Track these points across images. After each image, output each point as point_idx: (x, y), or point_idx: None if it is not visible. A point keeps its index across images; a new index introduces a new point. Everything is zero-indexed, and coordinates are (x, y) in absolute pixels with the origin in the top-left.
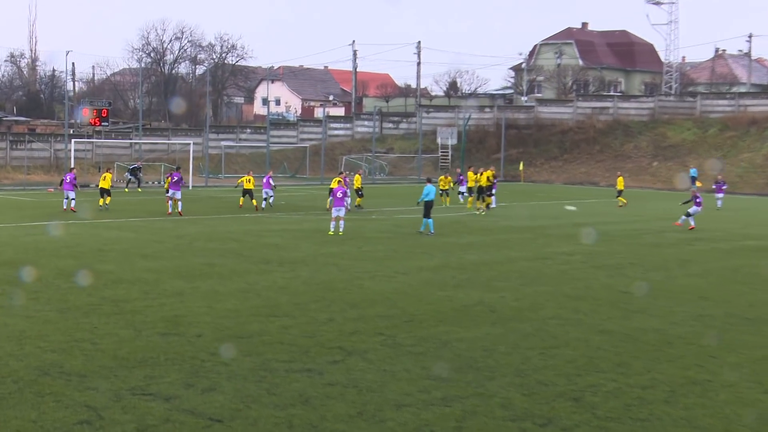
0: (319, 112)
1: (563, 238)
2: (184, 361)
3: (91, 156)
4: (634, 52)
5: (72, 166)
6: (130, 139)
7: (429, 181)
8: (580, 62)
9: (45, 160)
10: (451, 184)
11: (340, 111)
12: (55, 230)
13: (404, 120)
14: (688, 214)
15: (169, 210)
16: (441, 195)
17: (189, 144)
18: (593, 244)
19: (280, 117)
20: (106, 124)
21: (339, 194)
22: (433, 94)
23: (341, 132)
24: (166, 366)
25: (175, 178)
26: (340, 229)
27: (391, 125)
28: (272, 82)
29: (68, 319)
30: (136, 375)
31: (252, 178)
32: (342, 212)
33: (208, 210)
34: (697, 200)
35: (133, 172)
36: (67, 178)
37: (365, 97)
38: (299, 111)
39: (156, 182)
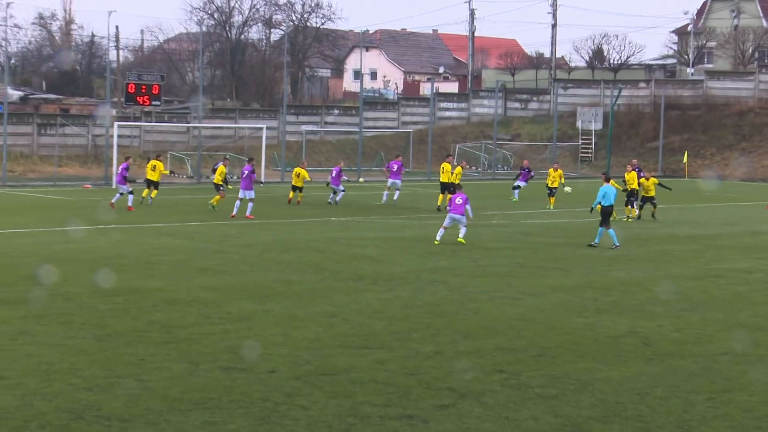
0: (425, 89)
1: (740, 250)
2: (252, 404)
3: (138, 143)
4: None
5: (128, 155)
6: (188, 122)
7: (606, 179)
8: (764, 23)
9: (81, 149)
10: (562, 180)
11: (452, 87)
12: (92, 236)
13: (535, 98)
14: None
15: (234, 212)
16: (548, 195)
17: (261, 129)
18: None
19: (377, 94)
20: (158, 103)
21: (458, 200)
22: (572, 65)
23: (454, 113)
24: (229, 409)
25: (246, 173)
26: (461, 236)
27: (517, 105)
28: (367, 51)
29: (107, 350)
30: (192, 420)
31: (303, 171)
32: (463, 220)
33: (284, 212)
34: None
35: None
36: (119, 169)
37: (485, 69)
38: (401, 87)
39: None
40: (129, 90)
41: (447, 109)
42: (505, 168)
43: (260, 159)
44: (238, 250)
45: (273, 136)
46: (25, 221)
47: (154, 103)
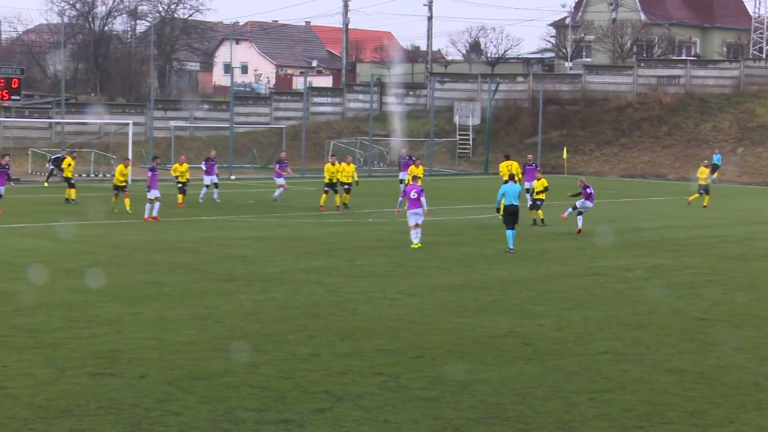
0: (299, 83)
1: (620, 247)
2: (122, 410)
3: None
4: (713, 4)
5: (5, 153)
6: (50, 117)
7: (510, 176)
8: (643, 16)
9: None
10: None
11: (326, 81)
12: None
13: (411, 93)
14: None
15: (153, 214)
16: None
17: (128, 124)
18: (659, 256)
19: (248, 89)
20: (18, 98)
21: (413, 194)
22: (449, 58)
23: (328, 109)
24: (98, 417)
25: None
26: (415, 240)
27: (393, 100)
28: (237, 43)
29: None
30: (58, 429)
31: (182, 166)
32: (420, 218)
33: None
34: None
35: (57, 161)
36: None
37: (360, 62)
38: (273, 81)
39: (86, 174)
40: None
41: (321, 104)
42: (381, 165)
43: (128, 154)
44: (105, 251)
45: (140, 132)
46: None
47: (13, 97)
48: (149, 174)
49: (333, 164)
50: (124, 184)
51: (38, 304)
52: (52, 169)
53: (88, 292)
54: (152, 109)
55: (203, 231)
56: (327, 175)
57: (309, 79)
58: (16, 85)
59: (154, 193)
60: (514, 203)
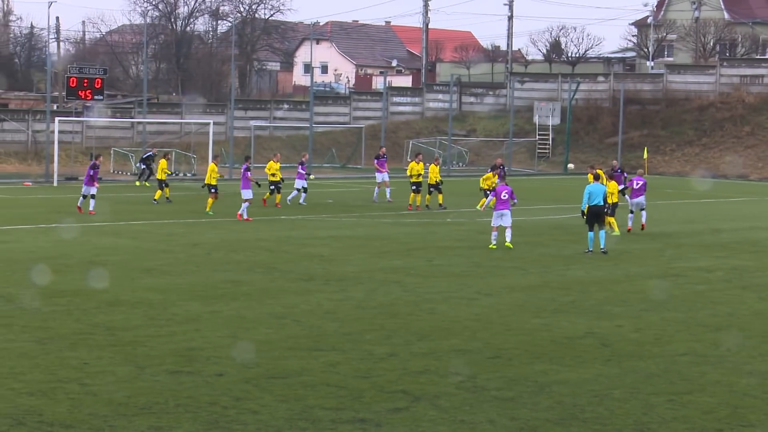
0: (378, 83)
1: (700, 248)
2: (199, 408)
3: (80, 139)
4: None
5: (98, 153)
6: (132, 117)
7: (595, 176)
8: (726, 15)
9: (20, 145)
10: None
11: (406, 81)
12: (33, 236)
13: (491, 92)
14: None
15: (245, 215)
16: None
17: (208, 124)
18: (740, 258)
19: (328, 89)
20: (101, 97)
21: (504, 195)
22: (529, 58)
23: (407, 108)
24: (176, 414)
25: (247, 174)
26: (507, 239)
27: (473, 99)
28: (317, 43)
29: (50, 353)
30: (137, 426)
31: (274, 165)
32: (508, 219)
33: (233, 211)
34: None
35: (146, 161)
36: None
37: (439, 62)
38: (352, 81)
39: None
40: (70, 84)
41: (400, 104)
42: (461, 164)
43: (207, 155)
44: (184, 249)
45: (220, 132)
46: None
47: (96, 97)
48: (247, 174)
49: (417, 163)
50: (215, 183)
51: (118, 302)
52: (144, 168)
53: (167, 291)
54: (233, 109)
55: (282, 230)
56: (413, 173)
57: (388, 78)
58: (99, 85)
59: (248, 194)
60: (599, 203)
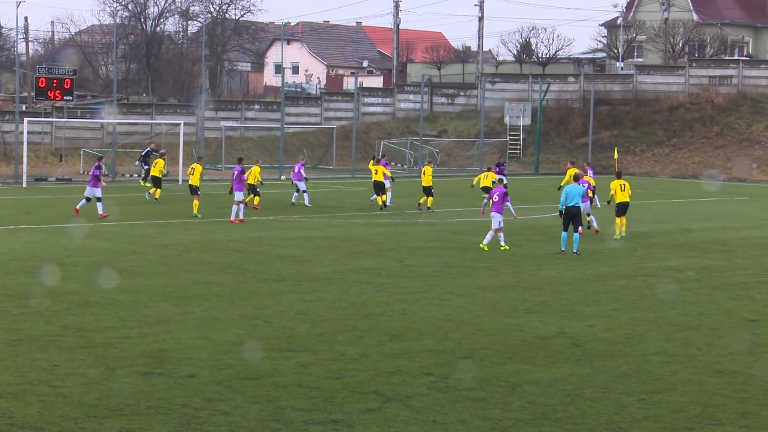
0: (349, 83)
1: (670, 248)
2: (171, 410)
3: (50, 140)
4: (766, 3)
5: (101, 157)
6: (101, 118)
7: (575, 178)
8: (695, 16)
9: None
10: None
11: (377, 81)
12: (1, 237)
13: (461, 93)
14: None
15: (240, 216)
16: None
17: (179, 124)
18: (710, 257)
19: (299, 89)
20: (70, 98)
21: (496, 197)
22: (499, 59)
23: (379, 109)
24: (147, 416)
25: (236, 172)
26: (502, 242)
27: (444, 100)
28: (288, 44)
29: (19, 355)
30: (108, 428)
31: (257, 169)
32: (501, 220)
33: (204, 211)
34: None
35: (146, 157)
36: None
37: (410, 62)
38: (323, 81)
39: (137, 174)
40: (39, 84)
41: (371, 105)
42: (433, 165)
43: (178, 156)
44: (155, 250)
45: (191, 132)
46: None
47: (66, 98)
48: (242, 176)
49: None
50: (198, 184)
51: (88, 303)
52: (145, 167)
53: (138, 292)
54: (203, 109)
55: (253, 231)
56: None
57: (360, 79)
58: (69, 86)
59: (240, 195)
60: (576, 204)
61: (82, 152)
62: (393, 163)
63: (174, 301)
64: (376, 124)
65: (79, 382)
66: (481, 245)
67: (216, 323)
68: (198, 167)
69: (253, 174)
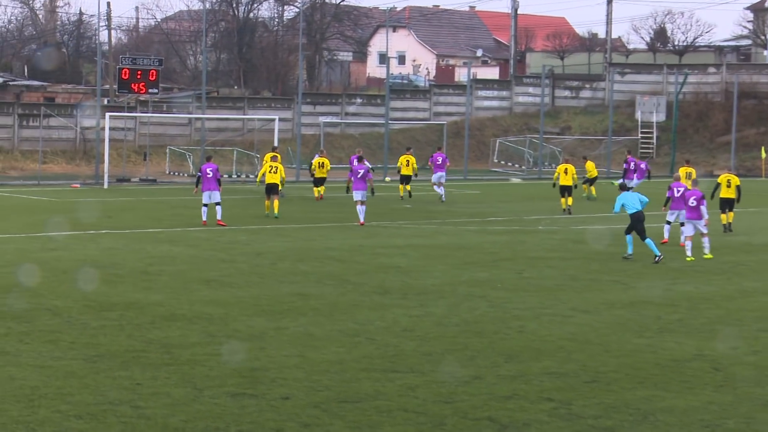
0: (461, 74)
1: None
2: None
3: (133, 137)
4: None
5: (209, 156)
6: (189, 112)
7: (622, 187)
8: None
9: (68, 143)
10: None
11: (492, 72)
12: (81, 243)
13: (587, 85)
14: None
15: (361, 220)
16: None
17: (273, 120)
18: None
19: (405, 81)
20: (155, 91)
21: (692, 201)
22: (630, 47)
23: (494, 103)
24: None
25: (360, 170)
26: (705, 250)
27: (567, 93)
28: (394, 31)
29: (99, 372)
30: None
31: (326, 161)
32: (698, 226)
33: (300, 216)
34: None
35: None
36: (208, 170)
37: (530, 51)
38: (433, 72)
39: (227, 175)
40: (122, 76)
41: (486, 98)
42: (553, 165)
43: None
44: (247, 259)
45: (287, 129)
46: (5, 226)
47: (150, 90)
48: (366, 173)
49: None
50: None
51: (174, 316)
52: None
53: (228, 305)
54: (300, 104)
55: (354, 238)
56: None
57: (473, 70)
58: (154, 78)
59: (361, 195)
60: (639, 209)
61: (167, 150)
62: (510, 164)
63: (267, 314)
64: (491, 120)
65: (163, 402)
66: (687, 258)
67: (313, 340)
68: (326, 161)
69: (325, 165)
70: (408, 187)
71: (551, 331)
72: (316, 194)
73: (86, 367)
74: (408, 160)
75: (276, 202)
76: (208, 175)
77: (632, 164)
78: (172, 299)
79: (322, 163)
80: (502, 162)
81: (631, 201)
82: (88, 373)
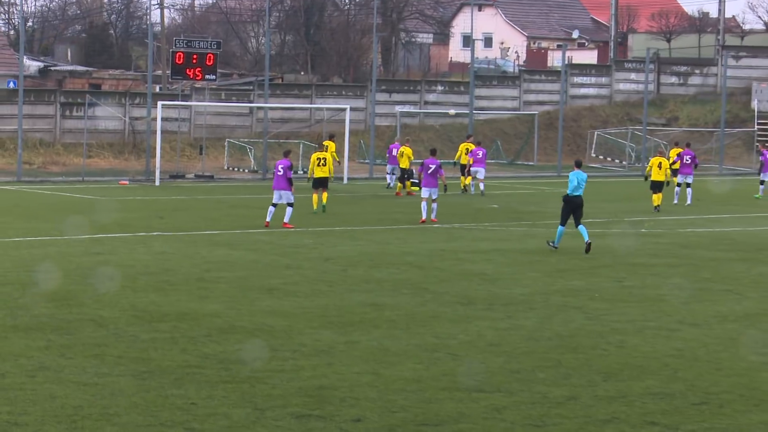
0: (555, 59)
1: None
2: None
3: (188, 128)
4: None
5: (288, 150)
6: (251, 101)
7: (577, 164)
8: None
9: (116, 135)
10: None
11: (590, 56)
12: (130, 246)
13: (697, 71)
14: None
15: (423, 216)
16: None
17: (344, 110)
18: None
19: (492, 66)
20: (213, 77)
21: None
22: (746, 27)
23: (591, 91)
24: None
25: (432, 167)
26: None
27: (674, 80)
28: (480, 10)
29: (150, 390)
30: None
31: (408, 151)
32: None
33: (374, 216)
34: None
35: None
36: (279, 167)
37: (632, 33)
38: (523, 56)
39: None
40: (176, 60)
41: (582, 86)
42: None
43: (343, 149)
44: (314, 264)
45: (359, 119)
46: (46, 227)
47: (207, 77)
48: (438, 168)
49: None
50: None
51: (233, 328)
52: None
53: (292, 316)
54: (374, 92)
55: (434, 242)
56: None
57: (568, 53)
58: (212, 62)
59: (428, 192)
60: (578, 194)
61: (226, 143)
62: (609, 158)
63: (336, 327)
64: (588, 109)
65: (221, 424)
66: None
67: (387, 355)
68: (408, 150)
69: (405, 155)
70: (468, 180)
71: (655, 346)
72: (315, 204)
73: (135, 384)
74: (468, 149)
75: (325, 195)
76: (279, 173)
77: None
78: (231, 309)
79: (323, 159)
80: (600, 156)
81: None
82: (137, 392)
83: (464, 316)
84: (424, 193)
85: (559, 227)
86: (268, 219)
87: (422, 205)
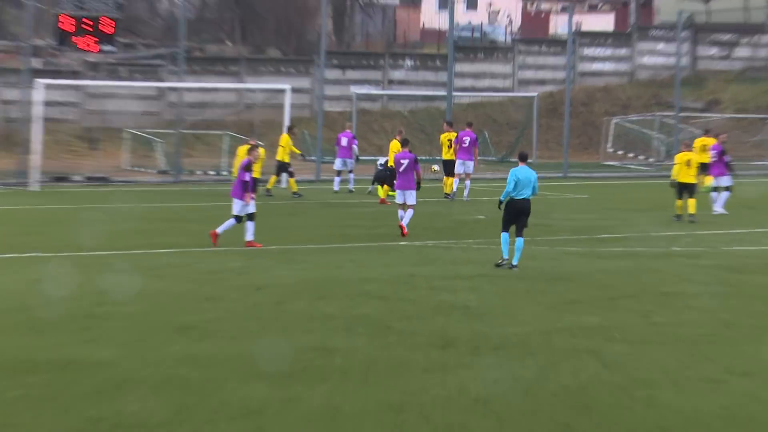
0: (559, 25)
1: None
2: None
3: (78, 116)
4: None
5: (254, 143)
6: (160, 80)
7: (522, 158)
8: None
9: None
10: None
11: (605, 21)
12: None
13: (743, 40)
14: None
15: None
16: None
17: (284, 90)
18: None
19: (478, 35)
20: (113, 49)
21: None
22: None
23: (606, 66)
24: None
25: (404, 162)
26: None
27: (714, 51)
28: None
29: None
30: None
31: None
32: None
33: (321, 231)
34: None
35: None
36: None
37: None
38: (517, 22)
39: (214, 171)
40: (62, 26)
41: (595, 59)
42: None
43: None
44: (241, 295)
45: (303, 102)
46: None
47: (104, 48)
48: (414, 163)
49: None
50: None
51: (131, 382)
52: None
53: (212, 364)
54: (323, 68)
55: (401, 264)
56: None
57: (577, 18)
58: (111, 31)
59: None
60: (526, 196)
61: (126, 135)
62: (630, 154)
63: (270, 379)
64: (603, 90)
65: None
66: None
67: (338, 418)
68: (397, 145)
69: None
70: (451, 181)
71: (695, 403)
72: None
73: None
74: (450, 140)
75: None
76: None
77: None
78: (129, 356)
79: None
80: (620, 152)
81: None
82: None
83: (441, 363)
84: (398, 197)
85: (503, 234)
86: (217, 230)
87: (399, 213)
